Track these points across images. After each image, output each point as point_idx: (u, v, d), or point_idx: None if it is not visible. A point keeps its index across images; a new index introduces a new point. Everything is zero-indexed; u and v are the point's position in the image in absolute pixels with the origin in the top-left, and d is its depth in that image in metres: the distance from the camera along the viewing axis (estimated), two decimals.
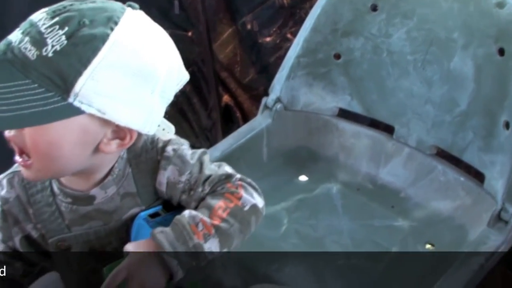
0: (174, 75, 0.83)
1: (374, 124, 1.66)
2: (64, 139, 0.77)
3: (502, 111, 1.31)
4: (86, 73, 0.72)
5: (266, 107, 1.64)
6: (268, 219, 1.38)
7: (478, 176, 1.42)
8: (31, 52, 0.72)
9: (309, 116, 1.67)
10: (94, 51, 0.73)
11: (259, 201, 0.94)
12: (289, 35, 1.99)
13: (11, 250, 0.93)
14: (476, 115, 1.38)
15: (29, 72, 0.72)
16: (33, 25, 0.74)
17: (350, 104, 1.63)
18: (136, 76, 0.76)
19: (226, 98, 2.27)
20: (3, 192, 0.90)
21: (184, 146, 0.94)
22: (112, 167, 0.89)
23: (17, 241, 0.92)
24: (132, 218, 0.92)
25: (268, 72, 2.07)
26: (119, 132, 0.81)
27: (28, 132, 0.76)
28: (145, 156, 0.92)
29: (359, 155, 1.60)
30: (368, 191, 1.56)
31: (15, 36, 0.75)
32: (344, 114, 1.68)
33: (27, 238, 0.93)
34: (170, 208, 0.94)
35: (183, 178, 0.92)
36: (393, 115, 1.56)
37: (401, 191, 1.54)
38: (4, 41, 0.76)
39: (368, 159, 1.61)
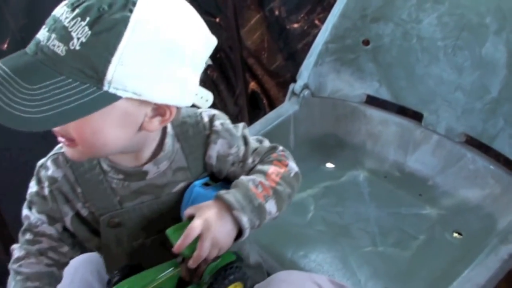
0: (201, 42, 0.83)
1: (401, 111, 1.64)
2: (107, 126, 0.78)
3: None
4: (115, 60, 0.73)
5: (293, 93, 1.63)
6: (295, 206, 1.39)
7: (507, 164, 1.40)
8: (60, 48, 0.73)
9: (336, 103, 1.66)
10: (118, 37, 0.73)
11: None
12: (317, 21, 1.98)
13: (59, 232, 0.95)
14: (507, 102, 1.36)
15: (61, 69, 0.73)
16: (56, 20, 0.74)
17: (378, 91, 1.62)
18: (163, 52, 0.76)
19: (253, 84, 2.27)
20: (50, 172, 0.92)
21: (228, 120, 0.97)
22: (163, 143, 0.91)
23: (68, 220, 0.94)
24: (181, 191, 0.94)
25: (295, 59, 2.06)
26: (159, 109, 0.81)
27: (71, 124, 0.77)
28: (192, 131, 0.94)
29: (387, 142, 1.58)
30: (395, 178, 1.55)
31: (42, 35, 0.75)
32: (372, 101, 1.67)
33: (78, 216, 0.94)
34: (216, 180, 0.98)
35: (232, 150, 0.96)
36: (422, 102, 1.54)
37: (429, 179, 1.52)
38: (33, 41, 0.77)
39: (395, 147, 1.60)
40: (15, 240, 0.96)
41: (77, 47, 0.72)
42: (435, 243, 1.35)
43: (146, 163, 0.91)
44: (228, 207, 0.87)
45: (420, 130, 1.56)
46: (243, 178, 0.92)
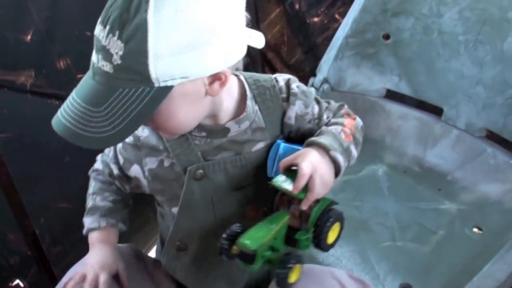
0: (230, 2, 0.84)
1: (421, 105, 1.64)
2: (175, 111, 0.85)
3: None
4: (151, 59, 0.77)
5: (313, 87, 1.63)
6: None
7: None
8: (108, 67, 0.79)
9: (356, 97, 1.66)
10: (144, 39, 0.76)
11: None
12: (337, 16, 1.98)
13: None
14: None
15: (116, 84, 0.79)
16: (98, 40, 0.80)
17: (398, 85, 1.62)
18: (193, 31, 0.78)
19: None
20: (137, 131, 0.97)
21: (301, 83, 1.04)
22: (245, 105, 0.97)
23: (146, 171, 1.00)
24: (260, 150, 1.00)
25: (315, 53, 2.06)
26: (213, 76, 0.85)
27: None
28: (270, 94, 1.00)
29: (406, 137, 1.58)
30: (414, 173, 1.55)
31: (94, 57, 0.82)
32: (391, 95, 1.67)
33: (160, 166, 0.99)
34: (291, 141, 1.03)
35: (309, 110, 1.02)
36: (442, 96, 1.54)
37: (449, 174, 1.52)
38: (90, 64, 0.83)
39: (415, 141, 1.59)
40: (36, 231, 0.98)
41: (119, 62, 0.77)
42: (455, 238, 1.35)
43: (228, 121, 0.96)
44: (324, 149, 0.93)
45: (440, 124, 1.56)
46: (325, 128, 0.99)
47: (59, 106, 0.81)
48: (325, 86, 1.62)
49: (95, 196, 1.07)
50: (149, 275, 1.09)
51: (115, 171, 1.05)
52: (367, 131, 1.65)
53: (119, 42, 0.76)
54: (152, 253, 1.53)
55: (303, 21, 2.07)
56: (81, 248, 1.07)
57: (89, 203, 1.07)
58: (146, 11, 0.76)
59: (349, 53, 1.61)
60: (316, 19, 2.04)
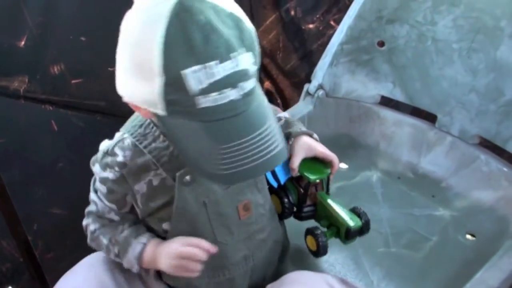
0: None
1: (415, 112, 1.65)
2: None
3: None
4: None
5: (307, 93, 1.64)
6: None
7: None
8: (251, 82, 0.80)
9: (350, 104, 1.66)
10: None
11: None
12: (332, 22, 1.99)
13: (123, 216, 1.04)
14: None
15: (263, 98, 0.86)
16: (230, 77, 0.77)
17: (393, 92, 1.62)
18: None
19: (267, 84, 2.28)
20: (119, 158, 0.96)
21: None
22: None
23: (139, 199, 1.00)
24: None
25: (310, 59, 2.07)
26: None
27: None
28: None
29: (400, 143, 1.58)
30: (408, 180, 1.55)
31: (233, 95, 0.79)
32: (386, 102, 1.67)
33: (149, 187, 0.98)
34: None
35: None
36: (436, 103, 1.54)
37: (442, 180, 1.52)
38: (229, 108, 0.79)
39: (409, 148, 1.60)
40: (29, 237, 0.97)
41: (255, 68, 0.82)
42: (448, 245, 1.35)
43: None
44: (309, 134, 1.11)
45: (434, 131, 1.56)
46: (288, 119, 1.14)
47: (52, 112, 0.81)
48: (320, 92, 1.62)
49: (114, 238, 1.02)
50: (140, 280, 1.08)
51: (116, 217, 1.03)
52: (362, 137, 1.67)
53: (248, 54, 0.79)
54: None
55: (298, 28, 2.08)
56: (74, 255, 1.07)
57: (115, 248, 1.02)
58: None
59: (344, 59, 1.61)
60: (311, 26, 2.05)
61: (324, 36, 1.99)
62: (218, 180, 0.88)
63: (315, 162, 1.12)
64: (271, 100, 2.28)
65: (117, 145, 0.97)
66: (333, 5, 1.93)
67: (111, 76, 1.23)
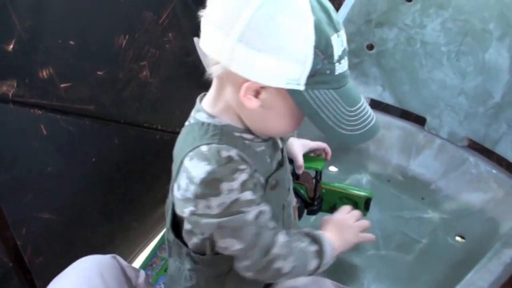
0: None
1: (405, 115, 1.65)
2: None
3: None
4: None
5: None
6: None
7: (510, 168, 1.41)
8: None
9: None
10: None
11: None
12: None
13: None
14: (510, 107, 1.37)
15: None
16: (341, 48, 0.85)
17: (382, 95, 1.63)
18: None
19: None
20: (236, 157, 0.90)
21: None
22: None
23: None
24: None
25: None
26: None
27: None
28: None
29: (390, 146, 1.59)
30: (398, 182, 1.56)
31: (345, 66, 0.87)
32: (375, 105, 1.67)
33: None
34: None
35: None
36: (425, 106, 1.55)
37: (432, 183, 1.53)
38: (347, 74, 0.88)
39: (398, 151, 1.60)
40: (18, 242, 0.96)
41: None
42: (438, 247, 1.36)
43: None
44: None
45: (423, 134, 1.57)
46: None
47: (41, 116, 0.80)
48: None
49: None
50: (130, 285, 1.08)
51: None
52: None
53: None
54: (137, 263, 1.52)
55: None
56: (63, 259, 1.06)
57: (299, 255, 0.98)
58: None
59: None
60: None
61: None
62: (353, 141, 0.90)
63: (307, 156, 1.25)
64: None
65: (221, 151, 0.90)
66: None
67: (100, 80, 1.23)
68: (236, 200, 0.89)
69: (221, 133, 0.92)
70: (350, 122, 0.87)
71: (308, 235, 1.00)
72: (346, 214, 1.11)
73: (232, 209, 0.89)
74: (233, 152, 0.90)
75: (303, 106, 0.86)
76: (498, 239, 1.28)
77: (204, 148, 0.90)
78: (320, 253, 0.99)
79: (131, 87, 1.34)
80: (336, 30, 0.83)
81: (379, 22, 1.55)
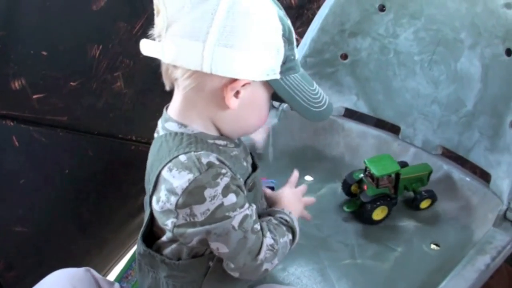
0: None
1: (379, 124, 1.66)
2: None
3: (509, 111, 1.31)
4: None
5: (272, 106, 1.64)
6: None
7: (484, 176, 1.43)
8: None
9: None
10: None
11: None
12: (296, 36, 1.99)
13: None
14: (482, 115, 1.38)
15: None
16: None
17: (356, 104, 1.64)
18: None
19: None
20: (216, 162, 0.90)
21: None
22: None
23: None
24: None
25: None
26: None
27: None
28: None
29: (365, 155, 1.59)
30: None
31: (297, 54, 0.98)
32: (350, 114, 1.68)
33: None
34: None
35: None
36: (399, 115, 1.56)
37: None
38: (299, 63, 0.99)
39: None
40: None
41: None
42: (413, 255, 1.36)
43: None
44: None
45: (398, 142, 1.58)
46: None
47: (13, 127, 0.79)
48: (285, 105, 1.63)
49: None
50: None
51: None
52: (327, 149, 1.68)
53: None
54: (112, 276, 1.51)
55: None
56: (36, 273, 1.05)
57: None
58: None
59: (308, 72, 1.59)
60: None
61: None
62: (323, 117, 0.99)
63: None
64: None
65: (201, 157, 0.89)
66: (297, 18, 1.94)
67: (74, 91, 1.22)
68: (220, 205, 0.89)
69: (196, 141, 0.92)
70: (316, 100, 0.97)
71: (284, 224, 1.04)
72: (295, 188, 1.18)
73: (217, 215, 0.89)
74: (213, 157, 0.90)
75: (282, 93, 0.92)
76: (472, 246, 1.29)
77: (182, 157, 0.90)
78: (293, 238, 1.06)
79: (105, 97, 1.33)
80: (288, 17, 0.92)
81: (353, 31, 1.56)
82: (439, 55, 1.44)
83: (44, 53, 1.17)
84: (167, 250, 1.00)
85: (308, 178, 1.61)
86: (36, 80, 1.17)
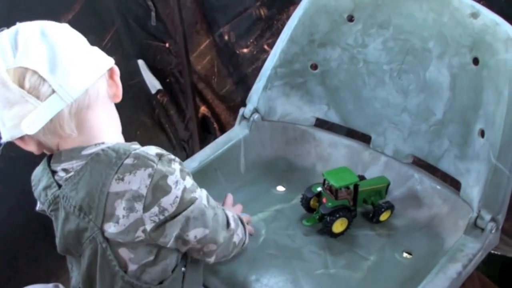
0: None
1: (350, 133, 1.67)
2: None
3: (477, 119, 1.33)
4: None
5: (243, 117, 1.64)
6: None
7: (454, 184, 1.44)
8: None
9: (286, 127, 1.67)
10: None
11: None
12: (266, 46, 2.00)
13: None
14: (451, 124, 1.40)
15: None
16: None
17: (327, 114, 1.64)
18: None
19: (203, 109, 2.27)
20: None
21: None
22: None
23: None
24: None
25: (245, 83, 2.07)
26: None
27: None
28: None
29: (337, 164, 1.60)
30: None
31: None
32: (321, 124, 1.69)
33: None
34: None
35: None
36: (369, 124, 1.57)
37: None
38: None
39: None
40: None
41: None
42: (386, 264, 1.37)
43: None
44: None
45: (369, 152, 1.59)
46: None
47: None
48: (256, 116, 1.62)
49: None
50: None
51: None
52: (298, 159, 1.68)
53: None
54: None
55: (232, 52, 2.09)
56: (11, 284, 1.03)
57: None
58: None
59: (278, 83, 1.62)
60: (245, 50, 2.05)
61: (258, 60, 2.00)
62: None
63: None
64: (208, 124, 2.28)
65: (147, 151, 0.90)
66: (266, 29, 1.95)
67: None
68: (185, 189, 0.90)
69: (124, 146, 0.91)
70: None
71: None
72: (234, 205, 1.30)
73: (186, 199, 0.90)
74: (154, 148, 0.91)
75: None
76: (443, 254, 1.29)
77: (128, 161, 0.88)
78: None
79: None
80: None
81: (322, 42, 1.57)
82: (408, 64, 1.45)
83: None
84: (144, 276, 0.98)
85: (280, 188, 1.60)
86: None
